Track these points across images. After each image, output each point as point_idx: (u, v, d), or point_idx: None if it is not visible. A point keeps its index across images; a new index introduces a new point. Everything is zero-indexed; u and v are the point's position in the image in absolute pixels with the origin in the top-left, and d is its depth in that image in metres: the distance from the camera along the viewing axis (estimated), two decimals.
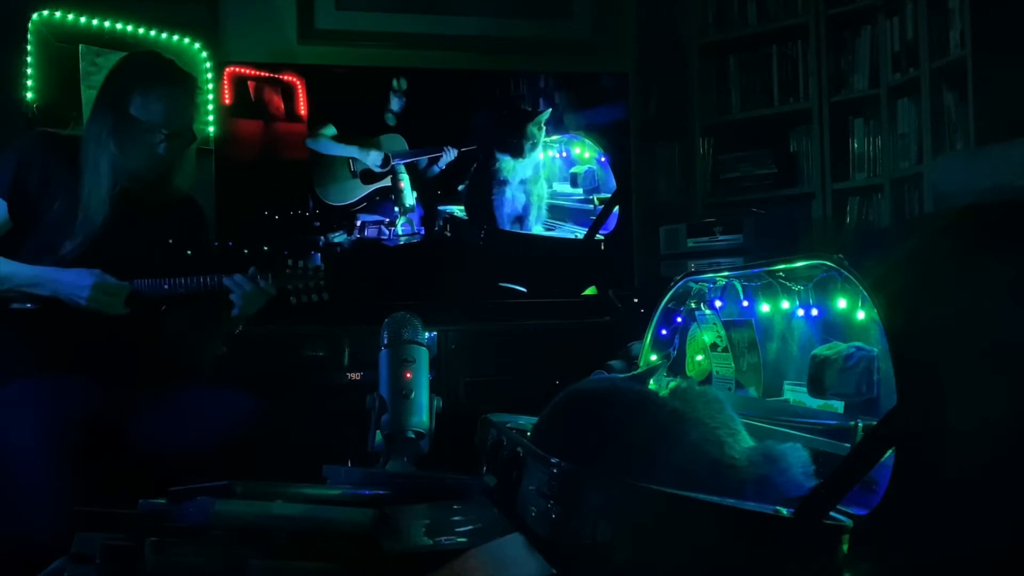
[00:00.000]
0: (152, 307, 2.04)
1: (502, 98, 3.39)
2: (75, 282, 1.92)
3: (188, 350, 2.19)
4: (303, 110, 3.20)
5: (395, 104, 3.27)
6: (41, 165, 1.99)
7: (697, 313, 1.79)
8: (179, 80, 2.04)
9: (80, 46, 3.01)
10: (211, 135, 3.18)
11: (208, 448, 1.79)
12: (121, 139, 1.97)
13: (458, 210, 3.32)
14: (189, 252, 2.16)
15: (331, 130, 3.22)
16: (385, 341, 1.66)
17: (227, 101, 3.15)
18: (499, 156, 3.33)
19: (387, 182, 3.26)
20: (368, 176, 3.25)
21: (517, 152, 3.31)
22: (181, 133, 2.03)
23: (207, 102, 3.18)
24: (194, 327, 2.15)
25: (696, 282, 1.77)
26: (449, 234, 3.31)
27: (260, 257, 2.10)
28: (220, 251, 2.97)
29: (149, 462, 1.83)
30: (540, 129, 3.33)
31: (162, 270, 2.02)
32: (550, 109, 3.35)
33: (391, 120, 3.27)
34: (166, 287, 2.01)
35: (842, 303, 1.35)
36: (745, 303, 1.66)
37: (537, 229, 3.37)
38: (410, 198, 3.27)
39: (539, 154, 3.35)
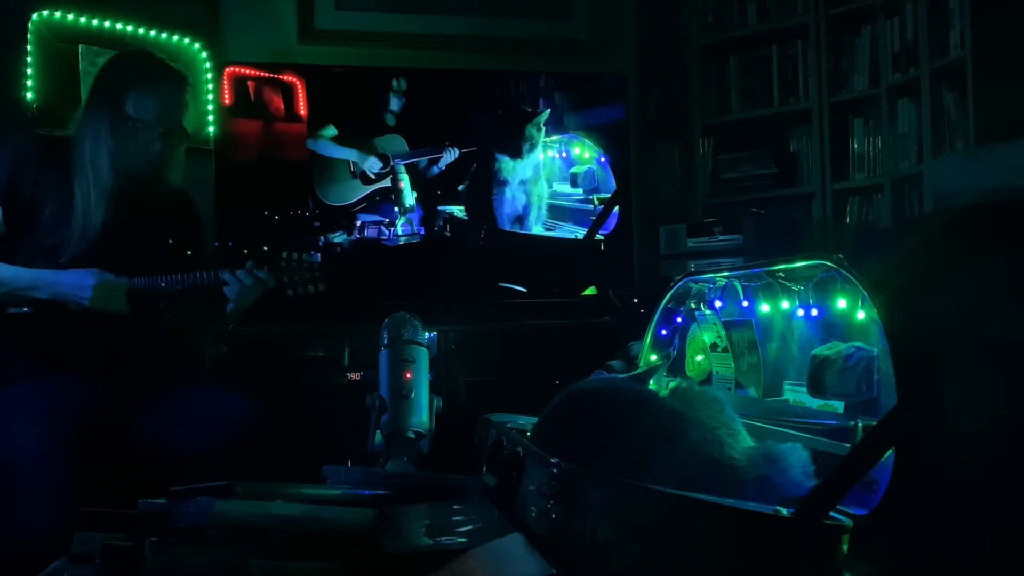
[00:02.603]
0: (151, 304, 2.04)
1: (502, 98, 3.38)
2: (76, 283, 1.91)
3: (183, 342, 2.20)
4: (303, 110, 3.20)
5: (395, 104, 3.27)
6: (35, 167, 1.98)
7: (697, 313, 1.79)
8: (172, 78, 2.05)
9: (80, 46, 3.01)
10: (211, 135, 3.18)
11: (208, 448, 1.79)
12: (118, 138, 1.98)
13: (458, 210, 3.32)
14: (189, 252, 2.16)
15: (331, 130, 3.22)
16: (385, 341, 1.66)
17: (227, 101, 3.14)
18: (499, 156, 3.33)
19: (387, 182, 3.26)
20: (368, 176, 3.25)
21: (515, 153, 3.31)
22: (175, 131, 2.04)
23: (207, 102, 3.19)
24: (190, 321, 2.15)
25: (696, 282, 1.77)
26: (449, 234, 3.31)
27: (259, 255, 2.10)
28: (220, 250, 2.98)
29: (149, 462, 1.83)
30: (539, 130, 3.33)
31: (159, 266, 2.03)
32: (549, 110, 3.34)
33: (391, 120, 3.27)
34: (163, 284, 2.01)
35: (842, 303, 1.35)
36: (745, 303, 1.66)
37: (537, 229, 3.37)
38: (410, 198, 3.27)
39: (539, 154, 3.35)
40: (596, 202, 3.41)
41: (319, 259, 2.17)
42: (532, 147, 3.32)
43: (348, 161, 3.23)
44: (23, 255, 1.96)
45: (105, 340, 1.96)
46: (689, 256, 3.31)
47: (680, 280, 1.79)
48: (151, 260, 2.04)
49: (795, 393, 1.52)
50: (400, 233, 3.26)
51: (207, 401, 1.95)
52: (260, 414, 1.91)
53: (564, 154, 3.40)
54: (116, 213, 1.99)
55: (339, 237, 3.21)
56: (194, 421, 1.88)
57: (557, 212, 3.39)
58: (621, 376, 1.66)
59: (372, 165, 3.24)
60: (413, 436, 1.56)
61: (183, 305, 2.11)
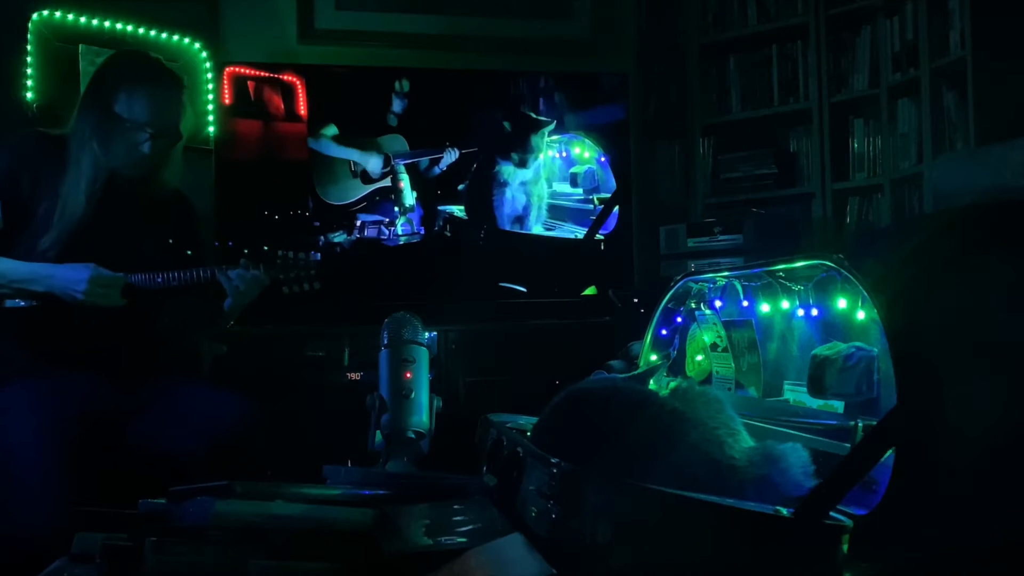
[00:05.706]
0: (147, 300, 2.03)
1: (502, 98, 3.38)
2: (71, 276, 1.91)
3: (181, 339, 2.20)
4: (303, 110, 3.20)
5: (395, 104, 3.26)
6: (33, 164, 1.99)
7: (697, 313, 1.79)
8: (165, 80, 2.04)
9: (80, 46, 3.01)
10: (211, 135, 3.18)
11: (208, 448, 1.79)
12: (104, 137, 1.97)
13: (458, 210, 3.32)
14: (188, 252, 2.16)
15: (332, 130, 3.22)
16: (385, 341, 1.66)
17: (227, 101, 3.14)
18: (501, 161, 3.33)
19: (387, 182, 3.26)
20: (368, 176, 3.25)
21: (521, 164, 3.32)
22: (166, 133, 2.02)
23: (207, 102, 3.19)
24: (187, 318, 2.16)
25: (696, 282, 1.77)
26: (449, 234, 3.31)
27: (257, 253, 2.11)
28: (220, 250, 2.99)
29: (150, 462, 1.83)
30: (542, 138, 3.34)
31: (154, 263, 2.03)
32: (554, 122, 3.35)
33: (392, 120, 3.27)
34: (159, 280, 2.01)
35: (842, 303, 1.35)
36: (745, 303, 1.66)
37: (537, 229, 3.37)
38: (410, 198, 3.27)
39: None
40: (596, 202, 3.41)
41: (318, 258, 2.17)
42: (535, 157, 3.33)
43: (348, 160, 3.23)
44: (17, 250, 1.96)
45: (103, 336, 1.96)
46: (689, 256, 3.31)
47: (680, 280, 1.79)
48: (146, 258, 2.04)
49: (795, 393, 1.52)
50: (400, 233, 3.26)
51: (207, 401, 1.95)
52: (260, 414, 1.92)
53: (564, 154, 3.40)
54: (108, 208, 1.99)
55: (339, 237, 3.21)
56: (194, 421, 1.88)
57: (557, 212, 3.39)
58: (621, 376, 1.66)
59: (373, 165, 3.24)
60: (413, 436, 1.56)
61: (180, 302, 2.11)
